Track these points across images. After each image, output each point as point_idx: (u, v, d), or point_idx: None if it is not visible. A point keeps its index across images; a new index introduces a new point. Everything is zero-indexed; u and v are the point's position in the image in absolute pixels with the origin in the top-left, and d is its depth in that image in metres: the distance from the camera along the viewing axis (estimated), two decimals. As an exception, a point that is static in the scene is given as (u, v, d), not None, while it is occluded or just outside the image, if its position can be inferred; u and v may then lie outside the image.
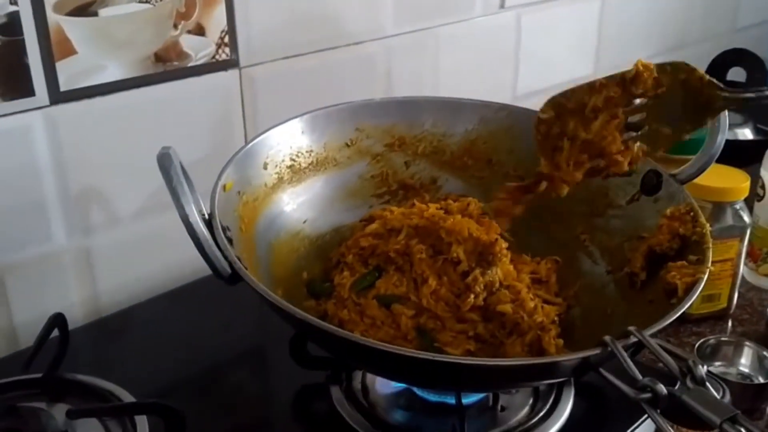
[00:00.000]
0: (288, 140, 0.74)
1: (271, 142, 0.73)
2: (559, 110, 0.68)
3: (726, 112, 0.69)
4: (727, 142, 0.70)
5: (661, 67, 0.66)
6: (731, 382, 0.75)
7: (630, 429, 0.66)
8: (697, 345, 0.81)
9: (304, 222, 0.76)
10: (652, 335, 0.53)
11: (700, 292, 0.58)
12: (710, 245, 0.63)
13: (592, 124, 0.67)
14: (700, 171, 0.70)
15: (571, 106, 0.68)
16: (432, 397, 0.67)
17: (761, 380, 0.79)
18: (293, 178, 0.75)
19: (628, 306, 0.66)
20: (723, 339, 0.84)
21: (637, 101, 0.67)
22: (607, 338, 0.51)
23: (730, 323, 0.91)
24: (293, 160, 0.75)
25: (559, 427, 0.66)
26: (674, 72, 0.65)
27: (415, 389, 0.67)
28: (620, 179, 0.72)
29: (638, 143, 0.67)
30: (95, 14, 0.76)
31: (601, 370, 0.52)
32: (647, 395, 0.48)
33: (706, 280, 0.60)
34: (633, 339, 0.52)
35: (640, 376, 0.49)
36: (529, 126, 0.78)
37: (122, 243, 0.85)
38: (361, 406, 0.66)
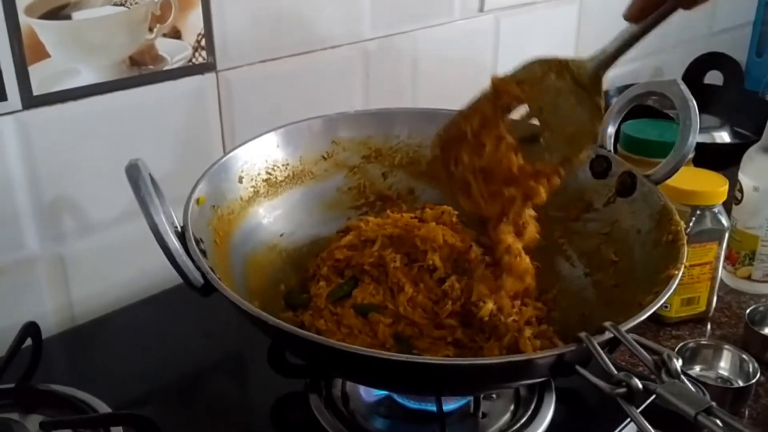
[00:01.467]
0: (263, 154, 0.74)
1: (246, 156, 0.72)
2: (443, 145, 0.68)
3: (697, 112, 0.68)
4: (705, 145, 0.71)
5: (518, 73, 0.65)
6: (711, 385, 0.76)
7: (611, 433, 0.66)
8: (676, 348, 0.81)
9: (281, 235, 0.75)
10: (628, 331, 0.52)
11: (675, 288, 0.58)
12: (685, 242, 0.63)
13: (484, 150, 0.65)
14: (674, 171, 0.70)
15: (452, 135, 0.67)
16: (412, 404, 0.66)
17: (741, 384, 0.79)
18: (269, 192, 0.74)
19: (605, 308, 0.66)
20: (703, 342, 0.84)
21: (523, 112, 0.66)
22: (582, 334, 0.51)
23: (709, 326, 0.91)
24: (269, 173, 0.74)
25: (541, 434, 0.65)
26: (533, 71, 0.64)
27: (395, 396, 0.67)
28: (596, 181, 0.73)
29: (547, 161, 0.64)
30: (69, 17, 0.74)
31: (577, 367, 0.52)
32: (622, 390, 0.48)
33: (687, 284, 0.60)
34: (608, 335, 0.52)
35: (614, 371, 0.49)
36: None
37: (97, 250, 0.84)
38: (341, 415, 0.65)
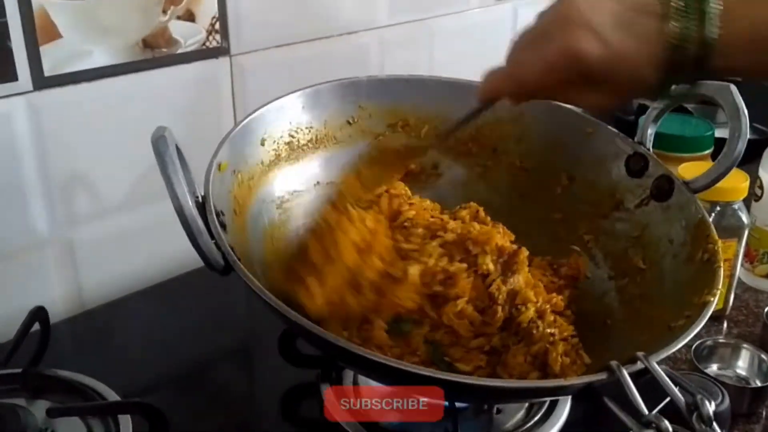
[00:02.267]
0: (288, 115, 0.71)
1: (271, 117, 0.69)
2: None
3: (747, 122, 0.64)
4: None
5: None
6: (728, 385, 0.74)
7: (627, 433, 0.65)
8: (693, 346, 0.80)
9: (299, 203, 0.72)
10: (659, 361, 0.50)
11: (709, 316, 0.55)
12: (721, 264, 0.60)
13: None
14: (716, 180, 0.67)
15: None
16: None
17: (758, 383, 0.78)
18: (291, 156, 0.71)
19: (630, 321, 0.64)
20: (720, 341, 0.82)
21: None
22: (613, 364, 0.49)
23: (725, 324, 0.89)
24: (292, 136, 0.71)
25: (556, 432, 0.64)
26: None
27: (408, 389, 0.65)
28: (630, 180, 0.70)
29: None
30: (81, -3, 0.73)
31: (605, 400, 0.50)
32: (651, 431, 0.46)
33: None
34: (640, 365, 0.49)
35: (645, 410, 0.46)
36: (540, 115, 0.75)
37: (107, 235, 0.83)
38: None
